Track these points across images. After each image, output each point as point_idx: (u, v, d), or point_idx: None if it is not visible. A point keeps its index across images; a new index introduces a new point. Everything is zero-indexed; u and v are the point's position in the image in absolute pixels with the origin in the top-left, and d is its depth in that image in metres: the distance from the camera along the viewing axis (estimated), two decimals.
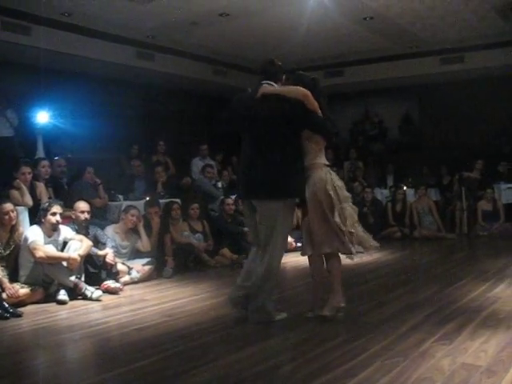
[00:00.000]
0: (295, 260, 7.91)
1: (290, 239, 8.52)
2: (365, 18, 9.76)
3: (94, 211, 6.70)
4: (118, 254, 6.43)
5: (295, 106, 4.08)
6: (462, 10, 9.47)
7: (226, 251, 7.56)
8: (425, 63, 11.92)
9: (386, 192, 11.54)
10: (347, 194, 4.30)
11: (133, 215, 6.67)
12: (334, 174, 4.32)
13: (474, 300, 4.88)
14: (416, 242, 9.77)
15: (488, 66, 11.41)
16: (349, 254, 4.26)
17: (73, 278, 5.51)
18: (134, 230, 6.82)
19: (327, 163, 4.34)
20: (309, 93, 4.12)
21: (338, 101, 13.37)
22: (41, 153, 8.86)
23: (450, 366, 3.18)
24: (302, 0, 8.63)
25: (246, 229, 7.94)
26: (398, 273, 6.71)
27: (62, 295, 5.38)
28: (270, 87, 4.25)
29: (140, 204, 7.52)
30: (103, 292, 5.67)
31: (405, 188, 10.97)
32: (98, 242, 6.19)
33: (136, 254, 6.79)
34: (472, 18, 9.85)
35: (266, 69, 4.34)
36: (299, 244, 8.75)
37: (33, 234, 5.50)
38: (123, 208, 7.07)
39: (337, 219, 4.14)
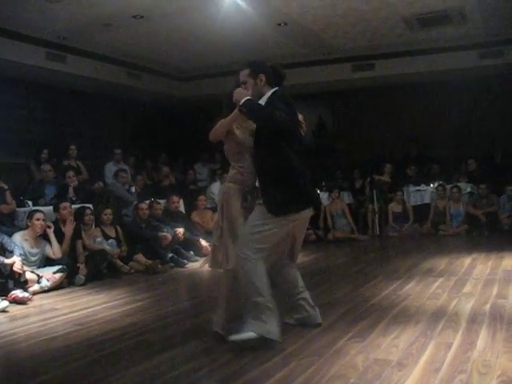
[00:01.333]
0: None
1: (205, 243, 8.50)
2: (279, 24, 9.87)
3: (0, 218, 6.38)
4: (26, 261, 6.15)
5: None
6: (373, 19, 9.78)
7: (140, 257, 7.41)
8: (337, 70, 12.21)
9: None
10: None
11: (38, 219, 6.40)
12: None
13: (385, 298, 5.02)
14: (330, 244, 9.97)
15: (397, 74, 11.85)
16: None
17: None
18: (43, 237, 6.56)
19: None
20: None
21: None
22: None
23: (364, 362, 3.24)
24: (216, 3, 8.62)
25: (160, 234, 7.85)
26: (312, 274, 6.79)
27: None
28: None
29: (50, 210, 7.23)
30: (10, 302, 5.38)
31: (318, 192, 11.17)
32: (4, 250, 5.92)
33: (46, 261, 6.52)
34: (382, 26, 10.20)
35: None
36: None
37: None
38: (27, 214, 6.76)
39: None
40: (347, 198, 11.47)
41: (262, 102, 3.81)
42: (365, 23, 9.99)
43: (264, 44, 10.90)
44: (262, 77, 3.88)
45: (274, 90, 3.89)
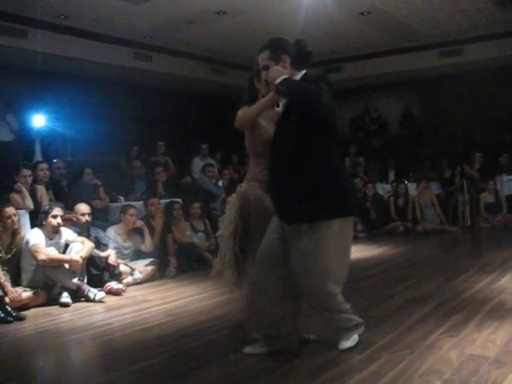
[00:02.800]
0: None
1: None
2: (362, 13, 9.70)
3: (94, 213, 6.67)
4: (120, 255, 6.39)
5: None
6: (460, 2, 9.42)
7: None
8: (424, 56, 11.86)
9: (387, 187, 11.50)
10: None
11: (131, 215, 6.63)
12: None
13: (479, 291, 4.84)
14: (419, 235, 9.72)
15: (487, 58, 11.35)
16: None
17: (75, 280, 5.47)
18: (136, 231, 6.79)
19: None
20: None
21: (337, 97, 13.33)
22: (38, 156, 8.86)
23: (458, 357, 3.14)
24: None
25: None
26: (401, 267, 6.67)
27: (65, 298, 5.35)
28: None
29: (141, 204, 7.48)
30: (106, 293, 5.64)
31: (406, 182, 10.94)
32: (99, 244, 6.16)
33: (138, 254, 6.75)
34: (470, 9, 9.79)
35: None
36: None
37: (34, 237, 5.47)
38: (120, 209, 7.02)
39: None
40: (436, 188, 11.14)
41: None
42: (451, 6, 9.62)
43: (348, 34, 10.77)
44: (286, 58, 3.27)
45: (303, 72, 3.29)
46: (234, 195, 3.61)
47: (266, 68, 3.28)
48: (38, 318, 4.90)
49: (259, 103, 3.40)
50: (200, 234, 7.62)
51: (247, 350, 3.44)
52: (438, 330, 3.67)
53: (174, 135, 11.70)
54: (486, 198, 10.28)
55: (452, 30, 10.92)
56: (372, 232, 10.01)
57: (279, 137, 3.27)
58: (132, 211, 6.69)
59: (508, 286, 4.96)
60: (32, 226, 5.95)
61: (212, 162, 10.04)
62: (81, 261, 5.51)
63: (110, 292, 5.75)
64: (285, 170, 3.20)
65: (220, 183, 9.27)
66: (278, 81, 3.13)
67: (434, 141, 12.67)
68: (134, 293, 5.91)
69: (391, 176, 12.19)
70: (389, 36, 11.16)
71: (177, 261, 6.92)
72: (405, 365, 3.07)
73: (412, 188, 10.88)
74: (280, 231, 3.29)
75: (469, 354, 3.18)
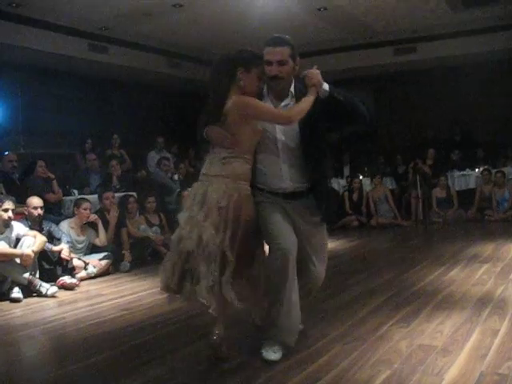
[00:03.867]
0: None
1: None
2: (319, 9, 9.78)
3: (48, 206, 6.55)
4: (73, 249, 6.29)
5: None
6: (413, 1, 9.60)
7: None
8: (379, 54, 12.05)
9: (342, 182, 11.66)
10: None
11: (85, 208, 6.54)
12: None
13: (430, 284, 4.96)
14: (373, 229, 9.89)
15: (440, 56, 11.61)
16: None
17: (27, 275, 5.36)
18: (90, 225, 6.70)
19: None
20: None
21: None
22: None
23: (408, 347, 3.22)
24: None
25: None
26: (355, 260, 6.78)
27: (16, 293, 5.23)
28: None
29: (95, 198, 7.39)
30: (59, 288, 5.56)
31: (361, 177, 11.11)
32: (52, 238, 6.05)
33: (92, 248, 6.67)
34: (423, 8, 9.99)
35: None
36: None
37: None
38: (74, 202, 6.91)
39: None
40: (390, 183, 11.36)
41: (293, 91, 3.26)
42: (406, 5, 9.81)
43: (304, 29, 10.80)
44: (298, 61, 3.25)
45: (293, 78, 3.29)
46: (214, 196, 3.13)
47: (282, 63, 3.15)
48: None
49: (308, 101, 3.16)
50: (155, 228, 7.58)
51: (267, 355, 3.15)
52: (390, 322, 3.75)
53: (129, 128, 11.57)
54: (438, 193, 10.53)
55: (406, 29, 11.12)
56: (327, 226, 10.09)
57: (310, 138, 3.23)
58: (86, 205, 6.59)
59: (457, 278, 5.11)
60: None
61: (168, 155, 9.98)
62: (32, 255, 5.40)
63: (63, 287, 5.66)
64: (322, 172, 3.33)
65: (176, 177, 9.24)
66: (327, 87, 3.17)
67: (389, 137, 12.89)
68: (87, 287, 5.84)
69: (346, 171, 12.35)
70: (344, 32, 11.29)
71: (131, 255, 6.87)
72: (356, 355, 3.13)
73: (366, 183, 11.07)
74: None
75: (418, 344, 3.26)
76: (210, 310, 3.05)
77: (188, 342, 3.59)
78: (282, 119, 3.17)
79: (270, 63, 3.16)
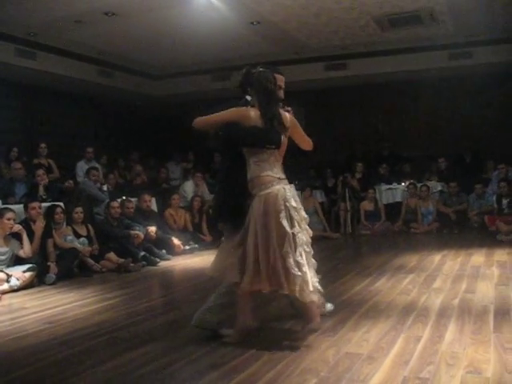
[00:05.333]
0: (184, 263, 7.88)
1: (177, 241, 8.49)
2: (252, 23, 9.89)
3: None
4: None
5: None
6: (344, 19, 9.86)
7: (111, 255, 7.34)
8: (310, 69, 12.28)
9: None
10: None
11: (9, 218, 6.30)
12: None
13: (357, 294, 5.06)
14: None
15: (369, 73, 11.97)
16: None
17: None
18: (13, 235, 6.46)
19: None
20: None
21: (225, 104, 13.49)
22: None
23: (335, 356, 3.26)
24: (190, 2, 8.60)
25: (132, 232, 7.80)
26: None
27: None
28: None
29: (20, 208, 7.13)
30: None
31: None
32: None
33: (16, 260, 6.42)
34: (353, 26, 10.28)
35: None
36: (187, 247, 8.73)
37: None
38: None
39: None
40: (320, 196, 11.54)
41: None
42: (337, 23, 10.06)
43: (237, 43, 10.91)
44: None
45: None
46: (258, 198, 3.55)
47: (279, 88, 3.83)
48: None
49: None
50: (82, 239, 7.39)
51: None
52: (317, 331, 3.78)
53: (58, 137, 11.29)
54: (366, 206, 10.80)
55: (337, 46, 11.41)
56: None
57: None
58: (10, 215, 6.36)
59: (383, 288, 5.24)
60: None
61: (97, 165, 9.78)
62: None
63: None
64: None
65: (105, 188, 9.08)
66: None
67: (319, 151, 13.07)
68: (10, 300, 5.60)
69: None
70: (277, 47, 11.45)
71: (57, 267, 6.65)
72: (283, 365, 3.14)
73: None
74: None
75: (344, 353, 3.31)
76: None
77: (115, 355, 3.50)
78: (309, 143, 4.11)
79: (281, 88, 3.86)
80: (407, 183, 11.00)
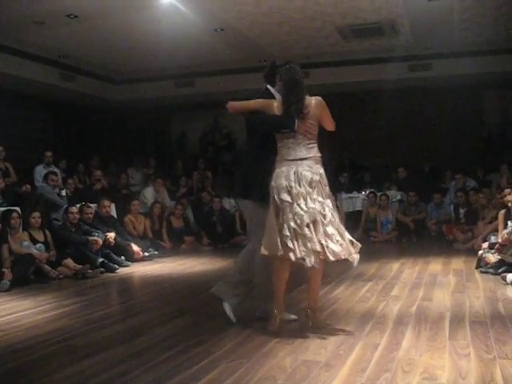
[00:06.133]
0: (143, 269, 7.79)
1: (136, 248, 8.39)
2: (216, 30, 9.89)
3: None
4: None
5: None
6: (307, 28, 9.97)
7: (69, 261, 7.19)
8: None
9: (233, 201, 11.70)
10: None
11: None
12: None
13: None
14: None
15: (331, 83, 12.07)
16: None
17: None
18: None
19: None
20: None
21: (188, 111, 13.52)
22: None
23: (292, 363, 3.26)
24: (154, 6, 8.55)
25: (90, 238, 7.68)
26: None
27: None
28: None
29: None
30: None
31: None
32: None
33: None
34: (316, 36, 10.39)
35: None
36: (146, 253, 8.64)
37: None
38: None
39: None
40: None
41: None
42: (300, 32, 10.15)
43: (200, 49, 10.91)
44: None
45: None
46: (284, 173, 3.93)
47: None
48: None
49: None
50: (39, 245, 7.23)
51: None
52: (275, 339, 3.77)
53: (16, 141, 11.05)
54: None
55: (300, 54, 11.48)
56: (218, 245, 10.15)
57: None
58: None
59: (342, 296, 5.28)
60: None
61: (56, 170, 9.61)
62: None
63: None
64: None
65: (63, 193, 8.91)
66: None
67: None
68: None
69: None
70: (241, 54, 11.48)
71: (12, 273, 6.47)
72: (241, 373, 3.12)
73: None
74: None
75: (302, 360, 3.31)
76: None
77: (70, 363, 3.42)
78: (333, 125, 4.32)
79: None
80: (367, 192, 11.14)
